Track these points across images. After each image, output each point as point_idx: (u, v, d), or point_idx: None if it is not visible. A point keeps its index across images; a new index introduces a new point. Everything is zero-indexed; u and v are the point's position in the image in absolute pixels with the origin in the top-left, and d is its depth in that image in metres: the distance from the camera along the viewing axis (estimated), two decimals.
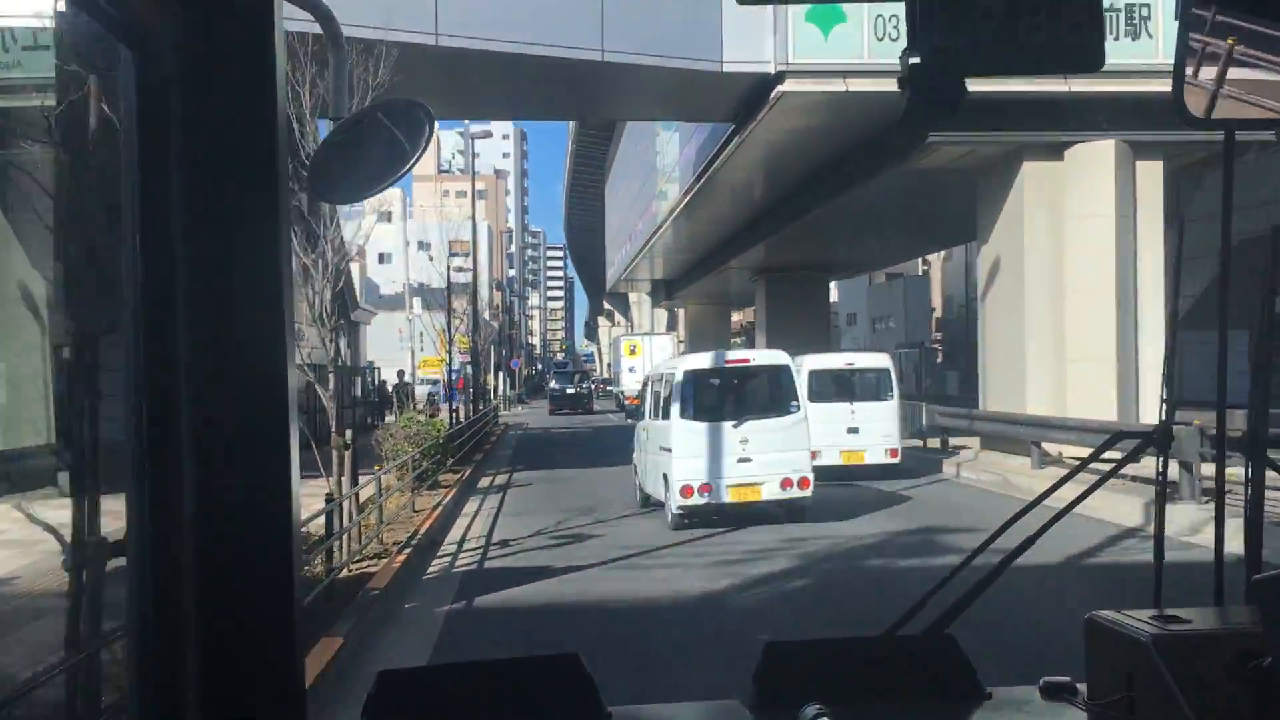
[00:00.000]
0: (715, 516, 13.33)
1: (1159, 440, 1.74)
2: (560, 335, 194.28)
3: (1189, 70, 1.40)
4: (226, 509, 1.08)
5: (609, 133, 63.38)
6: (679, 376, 13.78)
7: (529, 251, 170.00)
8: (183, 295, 1.06)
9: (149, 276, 1.06)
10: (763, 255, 37.47)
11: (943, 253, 58.67)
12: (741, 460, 13.21)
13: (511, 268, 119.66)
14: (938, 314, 65.53)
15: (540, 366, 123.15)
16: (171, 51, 1.05)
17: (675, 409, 13.41)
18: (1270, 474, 1.70)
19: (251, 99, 1.13)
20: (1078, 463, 1.87)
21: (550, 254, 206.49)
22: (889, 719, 1.55)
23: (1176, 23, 1.39)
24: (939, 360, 60.13)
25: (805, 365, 18.07)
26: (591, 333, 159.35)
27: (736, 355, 15.45)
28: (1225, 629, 1.56)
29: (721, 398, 14.29)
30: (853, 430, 18.23)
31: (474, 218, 35.04)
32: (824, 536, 12.25)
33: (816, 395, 17.83)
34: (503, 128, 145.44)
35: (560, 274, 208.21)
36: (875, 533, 12.51)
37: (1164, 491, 1.79)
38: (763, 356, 15.66)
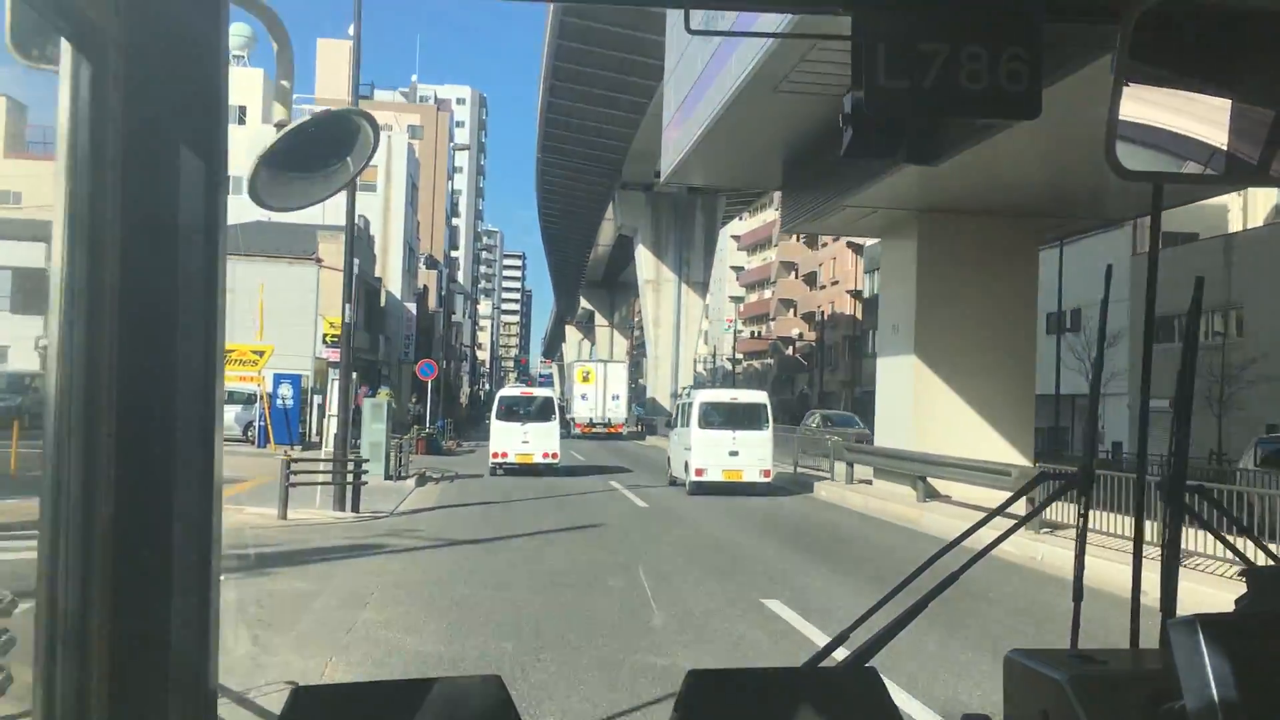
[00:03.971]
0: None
1: (1080, 482, 1.78)
2: (514, 352, 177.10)
3: (1120, 122, 1.44)
4: (146, 508, 1.07)
5: None
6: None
7: (483, 253, 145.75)
8: (113, 299, 1.05)
9: (78, 281, 1.05)
10: None
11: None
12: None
13: (456, 250, 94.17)
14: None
15: (489, 387, 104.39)
16: (115, 50, 1.04)
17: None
18: None
19: (195, 100, 1.13)
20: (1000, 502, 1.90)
21: (508, 263, 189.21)
22: None
23: (1111, 76, 1.43)
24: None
25: (697, 398, 22.98)
26: (553, 348, 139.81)
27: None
28: (1139, 670, 1.60)
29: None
30: (733, 453, 21.87)
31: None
32: None
33: (706, 422, 22.06)
34: (458, 90, 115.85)
35: (518, 285, 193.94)
36: None
37: (1084, 532, 1.82)
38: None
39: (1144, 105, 1.46)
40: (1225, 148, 1.47)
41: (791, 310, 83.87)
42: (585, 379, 50.32)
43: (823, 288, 76.51)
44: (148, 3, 1.05)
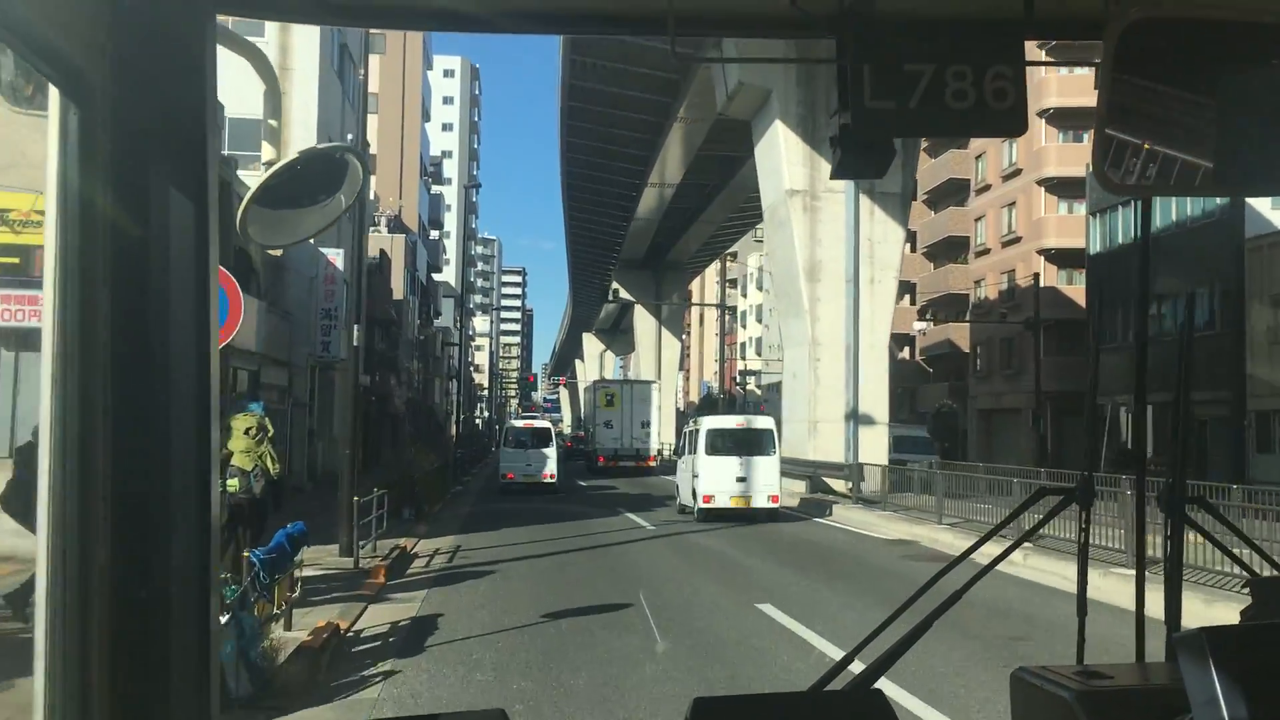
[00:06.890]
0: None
1: (1081, 496, 1.77)
2: (515, 374, 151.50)
3: (1107, 136, 1.44)
4: (145, 527, 1.08)
5: None
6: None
7: (480, 265, 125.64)
8: (105, 340, 1.05)
9: (71, 320, 1.05)
10: None
11: None
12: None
13: (441, 231, 73.08)
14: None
15: (487, 414, 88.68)
16: (103, 95, 1.04)
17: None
18: None
19: (183, 142, 1.13)
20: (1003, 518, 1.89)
21: (507, 279, 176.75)
22: None
23: (1096, 89, 1.44)
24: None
25: (704, 425, 23.16)
26: (564, 364, 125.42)
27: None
28: (1146, 685, 1.58)
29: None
30: (741, 479, 21.94)
31: None
32: None
33: (713, 449, 22.18)
34: (446, 61, 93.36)
35: (518, 304, 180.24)
36: None
37: (1086, 547, 1.81)
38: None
39: (1131, 118, 1.46)
40: (1213, 158, 1.47)
41: (907, 297, 54.66)
42: (609, 403, 42.36)
43: (983, 252, 50.65)
44: (135, 49, 1.06)
